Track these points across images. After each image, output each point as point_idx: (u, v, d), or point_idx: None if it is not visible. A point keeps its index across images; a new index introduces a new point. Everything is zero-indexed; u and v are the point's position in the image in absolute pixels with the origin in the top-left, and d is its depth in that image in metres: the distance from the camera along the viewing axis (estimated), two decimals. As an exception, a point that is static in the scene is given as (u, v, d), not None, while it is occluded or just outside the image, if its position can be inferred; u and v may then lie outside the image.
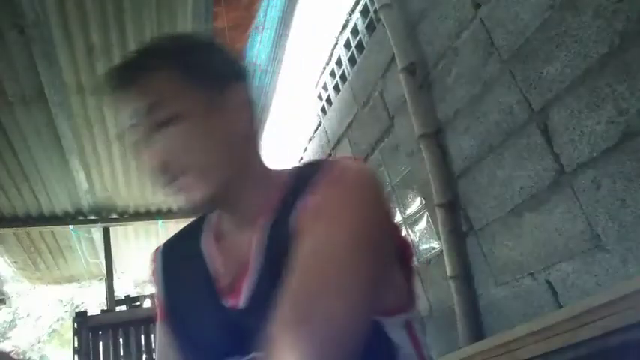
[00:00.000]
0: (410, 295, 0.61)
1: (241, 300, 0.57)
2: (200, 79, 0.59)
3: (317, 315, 0.45)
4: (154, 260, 0.70)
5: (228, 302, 0.58)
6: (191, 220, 0.73)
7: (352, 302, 0.46)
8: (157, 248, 0.71)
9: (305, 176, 0.58)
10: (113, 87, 0.59)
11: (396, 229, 0.61)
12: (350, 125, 3.02)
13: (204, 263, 0.63)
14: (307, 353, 0.42)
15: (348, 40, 3.03)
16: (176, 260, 0.68)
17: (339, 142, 3.22)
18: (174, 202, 0.61)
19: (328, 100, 3.42)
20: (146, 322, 3.19)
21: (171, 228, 4.07)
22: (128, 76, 0.59)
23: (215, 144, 0.58)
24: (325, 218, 0.52)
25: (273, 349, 0.44)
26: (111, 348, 3.07)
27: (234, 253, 0.61)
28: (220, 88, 0.60)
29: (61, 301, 12.87)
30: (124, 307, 3.57)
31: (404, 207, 2.63)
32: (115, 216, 4.02)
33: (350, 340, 0.46)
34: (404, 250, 0.61)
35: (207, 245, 0.65)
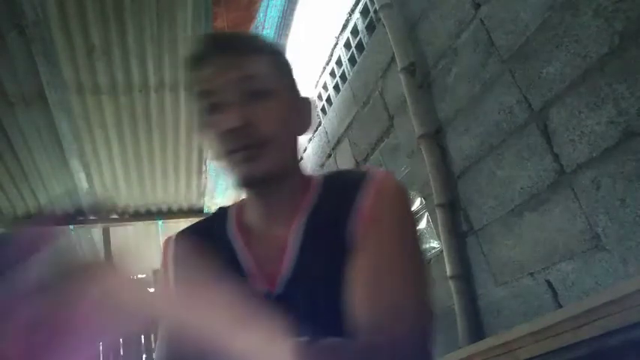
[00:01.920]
0: None
1: (277, 286, 0.60)
2: (288, 77, 0.69)
3: (407, 308, 0.55)
4: (166, 250, 0.71)
5: (263, 289, 0.61)
6: (203, 217, 0.77)
7: (427, 297, 0.58)
8: (169, 238, 0.73)
9: (346, 182, 0.66)
10: (219, 48, 0.64)
11: None
12: (350, 125, 3.02)
13: (234, 253, 0.65)
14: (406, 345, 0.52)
15: (348, 40, 3.03)
16: (196, 250, 0.69)
17: (338, 142, 3.22)
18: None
19: (328, 100, 3.42)
20: (146, 322, 3.19)
21: (171, 228, 4.07)
22: (239, 44, 0.65)
23: (291, 129, 0.67)
24: (388, 224, 0.60)
25: (372, 339, 0.51)
26: (111, 348, 3.07)
27: (267, 243, 0.64)
28: (296, 96, 0.70)
29: (61, 301, 12.90)
30: (124, 307, 3.56)
31: (404, 207, 2.63)
32: (115, 216, 4.02)
33: (429, 326, 0.56)
34: None
35: (235, 236, 0.67)
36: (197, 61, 0.65)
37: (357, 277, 0.56)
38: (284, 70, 0.68)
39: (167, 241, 0.72)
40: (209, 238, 0.69)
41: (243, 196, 0.75)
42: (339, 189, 0.65)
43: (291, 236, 0.63)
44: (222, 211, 0.75)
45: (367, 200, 0.61)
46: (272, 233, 0.65)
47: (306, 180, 0.70)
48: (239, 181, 0.63)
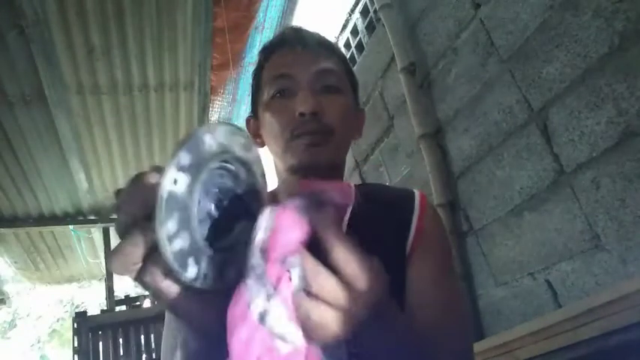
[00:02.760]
0: None
1: None
2: (353, 85, 0.74)
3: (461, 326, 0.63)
4: None
5: None
6: None
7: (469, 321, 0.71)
8: None
9: (387, 195, 0.73)
10: (305, 39, 0.70)
11: None
12: (350, 125, 3.02)
13: None
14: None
15: (348, 40, 3.03)
16: None
17: (339, 142, 3.22)
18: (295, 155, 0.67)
19: (328, 100, 3.42)
20: (146, 322, 3.19)
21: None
22: (321, 42, 0.71)
23: (350, 129, 0.71)
24: (440, 250, 0.68)
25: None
26: (111, 348, 3.07)
27: None
28: (358, 101, 0.76)
29: (61, 301, 12.89)
30: (123, 307, 3.56)
31: (404, 207, 2.63)
32: (115, 216, 4.01)
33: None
34: None
35: None
36: (282, 45, 0.71)
37: (416, 284, 0.63)
38: (351, 76, 0.74)
39: None
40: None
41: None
42: (382, 200, 0.70)
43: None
44: None
45: (421, 218, 0.68)
46: None
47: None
48: (299, 164, 0.66)
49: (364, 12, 2.82)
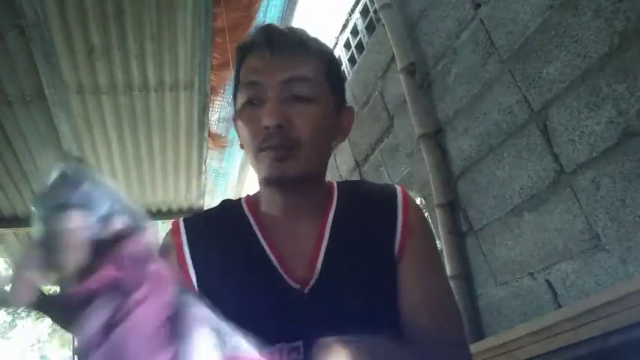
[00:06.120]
0: None
1: (309, 284, 0.62)
2: (335, 85, 0.68)
3: (455, 316, 0.67)
4: (176, 233, 0.68)
5: (294, 285, 0.61)
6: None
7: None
8: (176, 222, 0.70)
9: (371, 194, 0.71)
10: (276, 43, 0.64)
11: None
12: (350, 125, 3.02)
13: (259, 246, 0.65)
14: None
15: (347, 40, 3.03)
16: (212, 237, 0.68)
17: (339, 142, 3.22)
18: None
19: (328, 100, 3.41)
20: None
21: (171, 228, 4.05)
22: (295, 44, 0.65)
23: (325, 136, 0.67)
24: (427, 236, 0.69)
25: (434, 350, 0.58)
26: (111, 348, 3.07)
27: (292, 241, 0.65)
28: (341, 104, 0.71)
29: (61, 301, 12.86)
30: (123, 307, 3.54)
31: (404, 207, 2.62)
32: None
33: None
34: None
35: (258, 230, 0.67)
36: (252, 48, 0.66)
37: (409, 283, 0.63)
38: (333, 77, 0.68)
39: (175, 227, 0.69)
40: (225, 228, 0.68)
41: (252, 191, 0.76)
42: (365, 198, 0.70)
43: (321, 237, 0.66)
44: (232, 202, 0.74)
45: (405, 215, 0.67)
46: (296, 231, 0.66)
47: (326, 184, 0.73)
48: (268, 178, 0.64)
49: (364, 12, 2.82)
